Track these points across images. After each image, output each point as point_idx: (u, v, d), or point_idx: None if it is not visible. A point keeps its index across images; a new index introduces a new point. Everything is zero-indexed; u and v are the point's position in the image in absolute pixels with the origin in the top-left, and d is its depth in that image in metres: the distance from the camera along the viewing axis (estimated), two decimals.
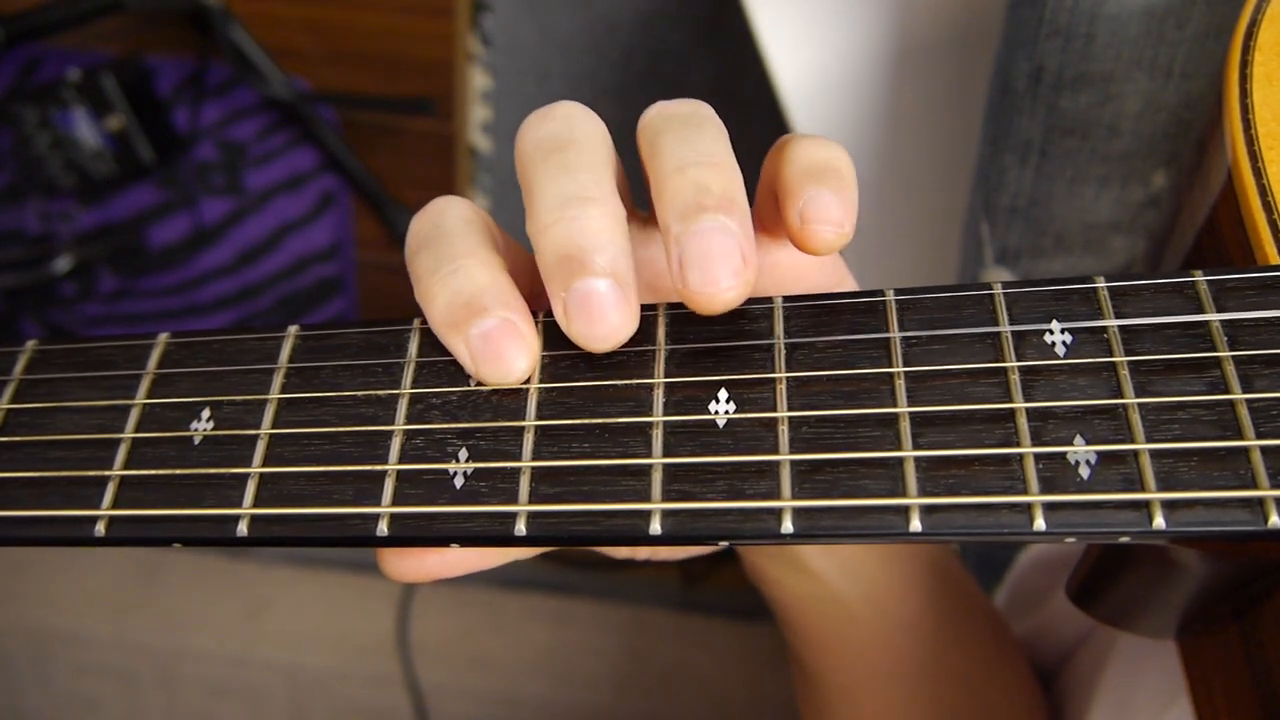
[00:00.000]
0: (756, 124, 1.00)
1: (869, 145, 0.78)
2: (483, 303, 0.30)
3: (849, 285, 0.37)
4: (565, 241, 0.29)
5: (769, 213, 0.34)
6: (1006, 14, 0.58)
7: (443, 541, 0.29)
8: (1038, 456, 0.27)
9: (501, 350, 0.30)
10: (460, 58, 1.04)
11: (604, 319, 0.29)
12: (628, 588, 1.15)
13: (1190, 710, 0.36)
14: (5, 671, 1.15)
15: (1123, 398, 0.28)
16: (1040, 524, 0.26)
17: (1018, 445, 0.27)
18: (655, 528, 0.28)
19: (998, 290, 0.30)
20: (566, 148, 0.30)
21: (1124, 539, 0.27)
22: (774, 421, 0.29)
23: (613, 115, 0.32)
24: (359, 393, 0.31)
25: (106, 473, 0.31)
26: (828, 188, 0.30)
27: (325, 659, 1.13)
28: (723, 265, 0.28)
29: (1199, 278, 0.29)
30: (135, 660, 1.14)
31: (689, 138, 0.30)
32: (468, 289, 0.30)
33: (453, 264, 0.31)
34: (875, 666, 0.45)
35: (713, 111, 0.32)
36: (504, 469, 0.29)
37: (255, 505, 0.30)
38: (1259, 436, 0.26)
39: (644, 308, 0.31)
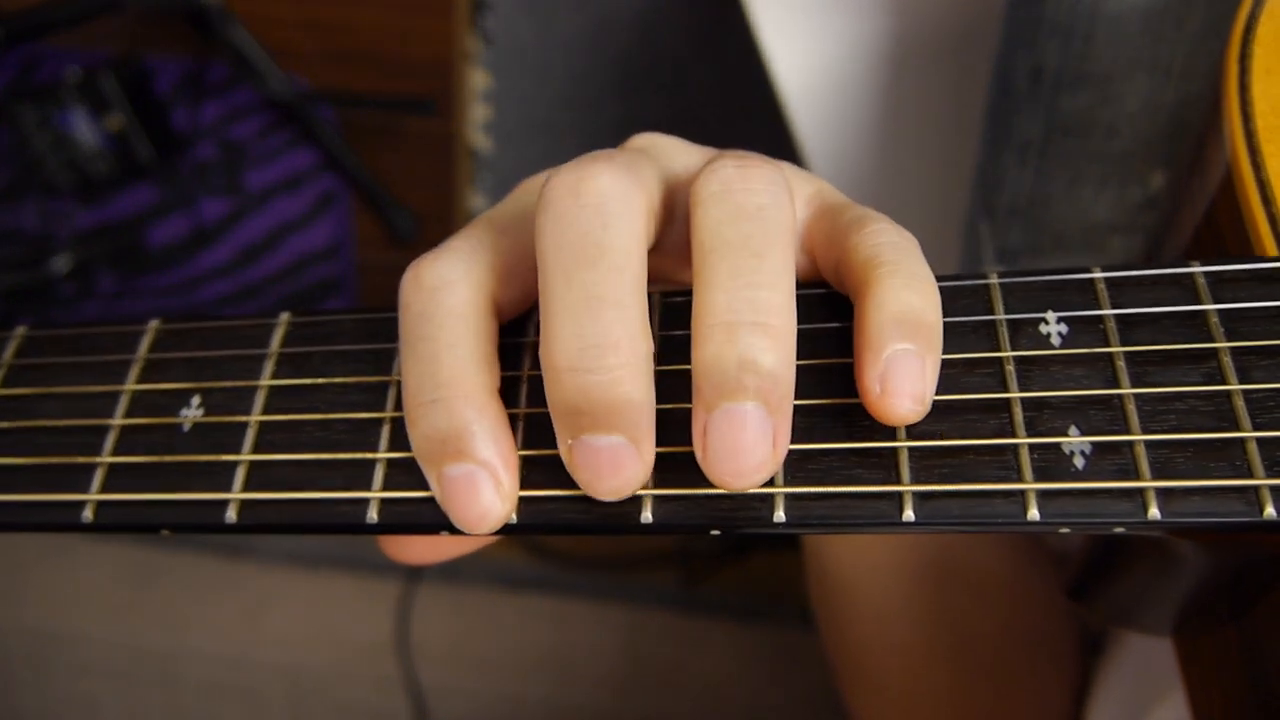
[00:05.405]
0: (756, 124, 1.00)
1: (868, 145, 0.77)
2: (457, 446, 0.28)
3: None
4: (580, 397, 0.26)
5: (826, 265, 0.31)
6: (1006, 14, 0.58)
7: (433, 529, 0.29)
8: (1032, 446, 0.27)
9: (471, 499, 0.28)
10: (460, 57, 1.04)
11: (614, 475, 0.27)
12: (628, 588, 1.15)
13: (1186, 706, 0.36)
14: (5, 671, 1.15)
15: (1118, 388, 0.27)
16: (1034, 513, 0.26)
17: (1012, 435, 0.27)
18: (646, 516, 0.28)
19: (993, 280, 0.30)
20: (596, 262, 0.26)
21: (1119, 529, 0.26)
22: None
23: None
24: (350, 379, 0.31)
25: (95, 459, 0.31)
26: (915, 352, 0.27)
27: (325, 659, 1.13)
28: (752, 457, 0.26)
29: (1196, 268, 0.29)
30: (135, 660, 1.14)
31: (747, 271, 0.26)
32: (443, 427, 0.28)
33: (434, 393, 0.28)
34: (877, 562, 0.44)
35: (784, 197, 0.27)
36: None
37: (244, 492, 0.30)
38: (1255, 428, 0.26)
39: None
